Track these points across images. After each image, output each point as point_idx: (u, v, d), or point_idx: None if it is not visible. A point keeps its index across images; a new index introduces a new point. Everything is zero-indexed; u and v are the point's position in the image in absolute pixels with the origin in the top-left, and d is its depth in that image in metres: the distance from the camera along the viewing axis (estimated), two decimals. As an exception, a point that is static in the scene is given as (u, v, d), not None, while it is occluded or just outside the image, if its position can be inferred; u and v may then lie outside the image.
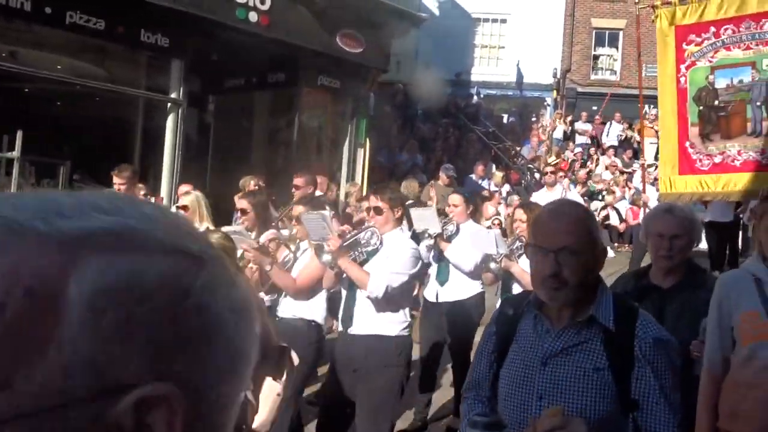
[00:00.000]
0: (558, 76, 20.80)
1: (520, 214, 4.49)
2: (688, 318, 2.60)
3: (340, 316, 3.74)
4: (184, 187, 7.75)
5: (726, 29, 8.31)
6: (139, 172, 8.43)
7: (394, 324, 3.56)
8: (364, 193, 9.75)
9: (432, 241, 4.71)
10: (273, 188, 9.50)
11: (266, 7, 8.57)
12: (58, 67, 8.09)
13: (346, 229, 3.81)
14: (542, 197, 8.28)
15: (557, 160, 15.43)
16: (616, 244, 13.00)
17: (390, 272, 3.47)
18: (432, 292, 5.03)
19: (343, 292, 3.74)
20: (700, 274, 2.87)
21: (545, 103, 19.49)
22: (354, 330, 3.59)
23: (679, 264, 2.74)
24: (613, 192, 13.00)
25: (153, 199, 7.09)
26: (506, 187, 13.35)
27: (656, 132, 16.58)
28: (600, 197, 12.99)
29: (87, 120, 9.17)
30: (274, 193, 9.45)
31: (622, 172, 13.73)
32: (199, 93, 9.83)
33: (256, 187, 8.74)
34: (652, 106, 20.12)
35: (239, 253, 3.71)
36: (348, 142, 10.33)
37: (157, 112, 8.69)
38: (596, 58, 19.78)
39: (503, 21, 20.64)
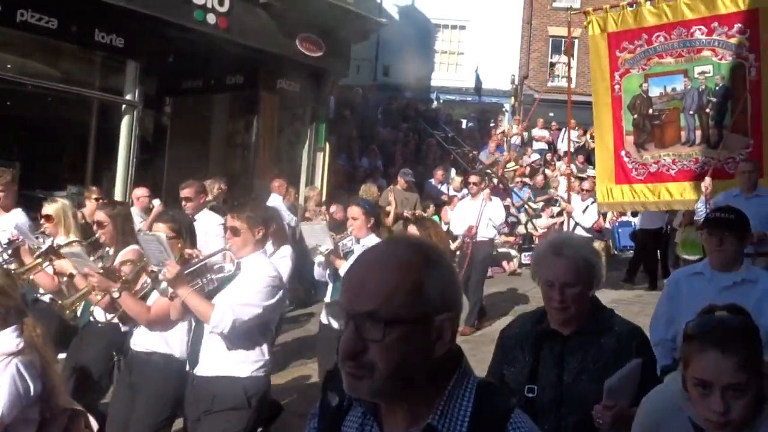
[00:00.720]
0: (516, 82, 21.12)
1: (414, 231, 4.04)
2: (592, 372, 2.21)
3: (186, 353, 3.26)
4: (139, 191, 7.62)
5: (658, 36, 8.17)
6: (92, 175, 8.31)
7: (246, 364, 3.08)
8: (324, 197, 9.75)
9: (323, 259, 4.33)
10: (232, 192, 9.43)
11: (225, 9, 8.50)
12: (8, 66, 7.86)
13: (194, 253, 3.37)
14: (465, 207, 8.17)
15: (515, 166, 15.69)
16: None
17: (239, 303, 2.98)
18: (325, 315, 4.42)
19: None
20: (606, 317, 2.35)
21: (503, 109, 19.76)
22: (200, 371, 3.11)
23: (577, 313, 2.27)
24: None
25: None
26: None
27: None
28: (557, 204, 13.23)
29: (38, 121, 8.93)
30: (233, 197, 9.40)
31: (577, 178, 13.99)
32: (156, 95, 9.68)
33: (220, 190, 8.66)
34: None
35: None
36: (307, 146, 10.30)
37: (111, 113, 8.52)
38: (552, 65, 20.15)
39: (462, 27, 20.89)
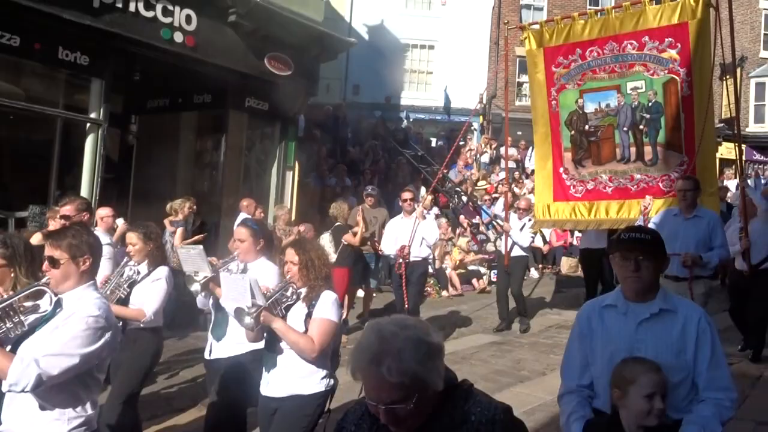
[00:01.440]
0: (484, 101, 21.37)
1: (292, 255, 3.36)
2: None
3: None
4: (103, 211, 7.46)
5: (591, 51, 8.00)
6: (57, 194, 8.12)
7: (60, 424, 2.47)
8: (293, 216, 9.69)
9: (199, 286, 3.82)
10: (200, 211, 9.32)
11: (192, 27, 8.46)
12: (-31, 84, 7.70)
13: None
14: (397, 225, 7.82)
15: (486, 185, 15.83)
16: (540, 266, 13.40)
17: (48, 353, 2.35)
18: (207, 347, 4.01)
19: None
20: (460, 405, 1.76)
21: (472, 128, 19.94)
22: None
23: (415, 422, 1.68)
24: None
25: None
26: (435, 210, 13.53)
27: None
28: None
29: (0, 140, 8.74)
30: (202, 216, 9.30)
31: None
32: (122, 113, 9.56)
33: (191, 210, 8.55)
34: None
35: None
36: (276, 165, 10.24)
37: (75, 132, 8.38)
38: (520, 85, 20.45)
39: (431, 47, 21.11)
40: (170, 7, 8.21)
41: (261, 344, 3.42)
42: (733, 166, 22.23)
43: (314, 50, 10.21)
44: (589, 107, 8.14)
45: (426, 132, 19.30)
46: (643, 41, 7.61)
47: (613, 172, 8.06)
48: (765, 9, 23.66)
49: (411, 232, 7.47)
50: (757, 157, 22.47)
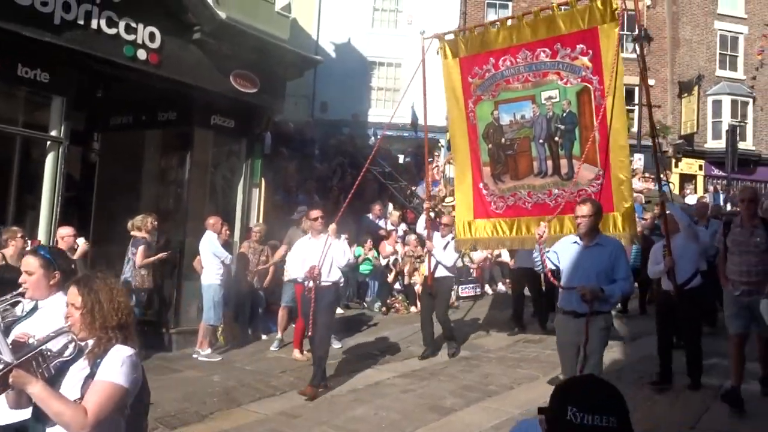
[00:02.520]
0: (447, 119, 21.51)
1: (73, 295, 2.52)
2: None
3: None
4: (64, 230, 7.33)
5: (504, 60, 7.57)
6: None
7: None
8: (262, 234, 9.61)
9: None
10: (165, 229, 9.18)
11: (156, 45, 8.39)
12: (-77, 101, 7.50)
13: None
14: (305, 247, 7.14)
15: (453, 201, 15.92)
16: (508, 281, 13.49)
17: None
18: None
19: None
20: None
21: (439, 144, 20.11)
22: None
23: None
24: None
25: (30, 243, 6.65)
26: (402, 226, 13.57)
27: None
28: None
29: (-44, 158, 8.52)
30: (167, 234, 9.16)
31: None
32: (84, 131, 9.40)
33: (154, 226, 8.43)
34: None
35: None
36: (243, 183, 10.17)
37: (35, 150, 8.21)
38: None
39: (398, 65, 21.29)
40: (133, 24, 8.14)
41: (27, 413, 2.57)
42: (693, 182, 22.84)
43: (280, 68, 10.21)
44: (505, 119, 7.77)
45: (393, 148, 19.40)
46: (556, 48, 7.27)
47: (531, 187, 7.68)
48: (720, 29, 24.47)
49: (321, 254, 6.78)
50: (716, 172, 23.09)
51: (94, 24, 7.77)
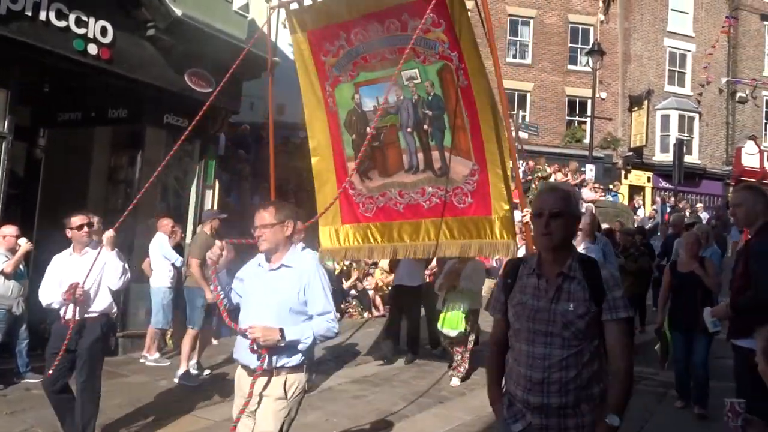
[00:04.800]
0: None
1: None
2: None
3: None
4: (6, 229, 7.05)
5: (356, 33, 6.27)
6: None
7: None
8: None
9: None
10: (109, 228, 8.90)
11: (108, 40, 8.15)
12: None
13: None
14: (64, 264, 5.07)
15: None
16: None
17: None
18: None
19: None
20: None
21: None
22: None
23: None
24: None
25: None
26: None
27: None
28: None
29: None
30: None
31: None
32: (29, 126, 9.06)
33: (98, 224, 8.13)
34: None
35: None
36: (196, 184, 9.97)
37: (-23, 145, 7.87)
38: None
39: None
40: (84, 18, 7.89)
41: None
42: (641, 193, 23.49)
43: (237, 68, 10.02)
44: (368, 104, 6.49)
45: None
46: (404, 19, 5.93)
47: (402, 185, 6.44)
48: (669, 46, 25.30)
49: (85, 274, 4.78)
50: (663, 184, 23.80)
51: (42, 15, 7.49)
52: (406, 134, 6.41)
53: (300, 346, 3.30)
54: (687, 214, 17.81)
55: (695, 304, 5.71)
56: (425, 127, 6.26)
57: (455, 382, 7.22)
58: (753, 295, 3.74)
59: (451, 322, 7.05)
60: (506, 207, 5.83)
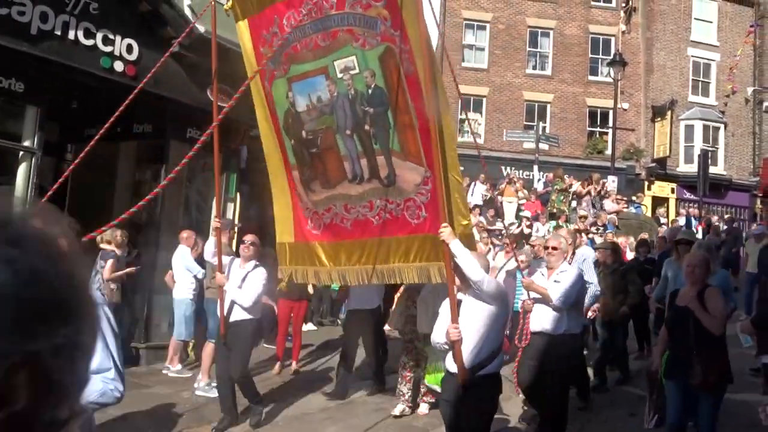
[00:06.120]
0: (428, 137, 21.61)
1: None
2: None
3: None
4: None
5: (289, 17, 5.34)
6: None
7: None
8: (233, 247, 9.55)
9: None
10: (137, 243, 9.10)
11: (134, 57, 8.37)
12: None
13: None
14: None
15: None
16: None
17: None
18: None
19: None
20: None
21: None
22: None
23: None
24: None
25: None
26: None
27: (515, 191, 17.79)
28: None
29: (-76, 167, 8.38)
30: (139, 248, 9.07)
31: (486, 230, 14.43)
32: (57, 141, 9.31)
33: (124, 239, 8.34)
34: (512, 168, 21.45)
35: None
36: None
37: (7, 160, 8.10)
38: (462, 121, 20.89)
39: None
40: (111, 36, 8.12)
41: None
42: (665, 205, 23.23)
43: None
44: (301, 104, 5.55)
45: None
46: None
47: (347, 198, 5.49)
48: (693, 56, 25.06)
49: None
50: (687, 195, 23.52)
51: (71, 35, 7.73)
52: (345, 138, 5.40)
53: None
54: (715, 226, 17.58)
55: (690, 347, 4.59)
56: (366, 127, 5.26)
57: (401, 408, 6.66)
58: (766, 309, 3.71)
59: (438, 379, 5.62)
60: (464, 222, 4.98)
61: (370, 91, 5.14)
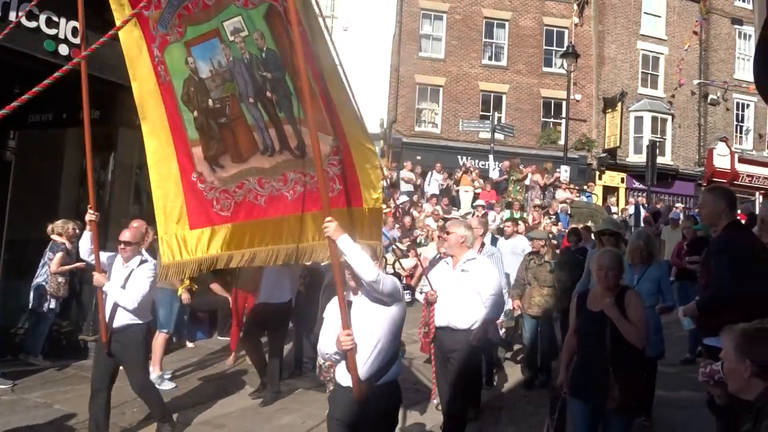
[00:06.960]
0: (385, 126, 21.71)
1: None
2: None
3: None
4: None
5: None
6: None
7: None
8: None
9: None
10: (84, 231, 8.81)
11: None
12: None
13: None
14: None
15: (387, 209, 16.00)
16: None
17: None
18: None
19: None
20: None
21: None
22: None
23: None
24: (434, 239, 13.66)
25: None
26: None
27: (471, 180, 17.96)
28: (426, 243, 13.59)
29: None
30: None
31: (443, 219, 14.51)
32: (-3, 128, 8.93)
33: (75, 232, 8.07)
34: (468, 158, 21.63)
35: None
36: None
37: (-56, 147, 7.75)
38: (420, 111, 20.95)
39: (333, 71, 21.25)
40: (55, 18, 7.80)
41: None
42: (615, 194, 23.81)
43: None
44: (204, 69, 4.94)
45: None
46: None
47: (261, 172, 5.05)
48: (642, 49, 25.67)
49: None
50: (636, 185, 24.15)
51: (12, 16, 7.39)
52: (249, 106, 4.93)
53: None
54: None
55: (605, 362, 3.88)
56: (268, 94, 4.83)
57: None
58: (712, 293, 3.83)
59: None
60: (375, 195, 4.71)
61: (264, 55, 4.69)
